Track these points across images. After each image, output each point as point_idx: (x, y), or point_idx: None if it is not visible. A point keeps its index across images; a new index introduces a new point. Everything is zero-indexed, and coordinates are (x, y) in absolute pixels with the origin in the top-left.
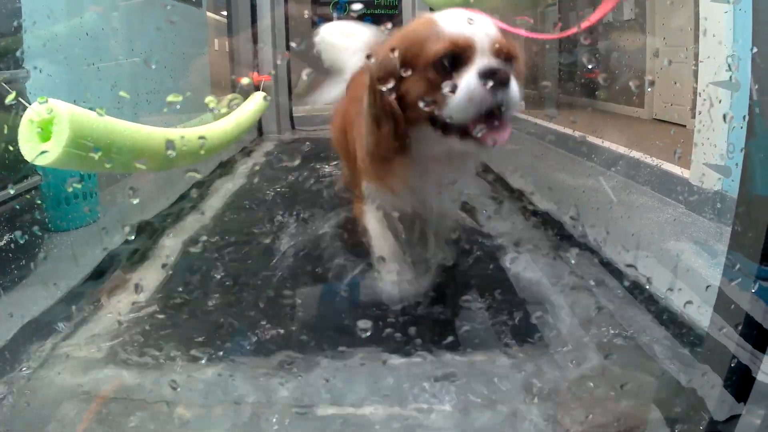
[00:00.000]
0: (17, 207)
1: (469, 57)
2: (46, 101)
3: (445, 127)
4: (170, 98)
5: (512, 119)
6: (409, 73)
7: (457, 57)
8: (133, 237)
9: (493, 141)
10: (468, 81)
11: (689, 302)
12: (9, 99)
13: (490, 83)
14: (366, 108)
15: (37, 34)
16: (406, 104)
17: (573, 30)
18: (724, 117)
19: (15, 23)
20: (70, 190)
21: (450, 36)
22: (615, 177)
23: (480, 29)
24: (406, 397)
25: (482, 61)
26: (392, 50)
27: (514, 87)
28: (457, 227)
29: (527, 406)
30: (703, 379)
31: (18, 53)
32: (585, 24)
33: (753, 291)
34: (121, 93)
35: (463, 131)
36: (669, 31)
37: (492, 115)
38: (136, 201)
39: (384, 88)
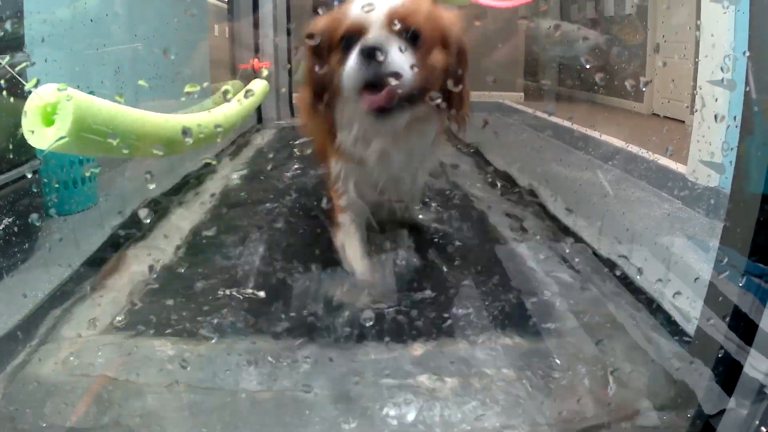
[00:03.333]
0: (17, 191)
1: (360, 36)
2: (36, 85)
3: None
4: (188, 88)
5: (397, 85)
6: (331, 48)
7: (351, 38)
8: (149, 221)
9: (369, 105)
10: (351, 57)
11: (678, 293)
12: (29, 85)
13: (363, 58)
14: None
15: (38, 18)
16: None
17: None
18: (716, 117)
19: (16, 7)
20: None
21: (348, 19)
22: (612, 170)
23: (377, 10)
24: (404, 380)
25: (364, 40)
26: (320, 30)
27: (394, 59)
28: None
29: (520, 392)
30: (691, 368)
31: (19, 37)
32: None
33: (741, 285)
34: (140, 82)
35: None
36: (669, 27)
37: (374, 84)
38: (152, 186)
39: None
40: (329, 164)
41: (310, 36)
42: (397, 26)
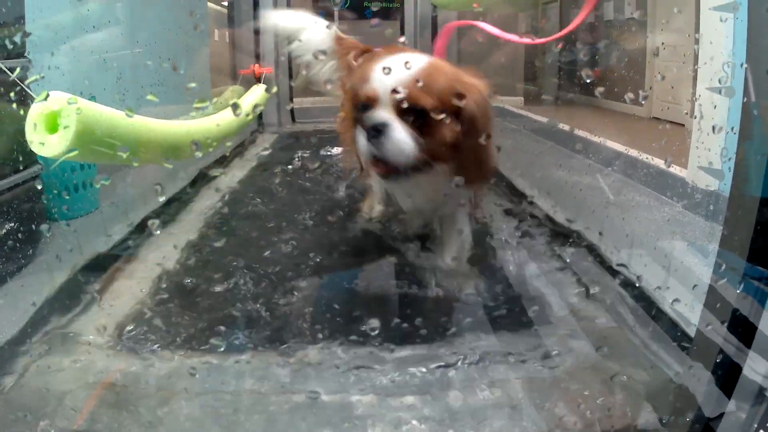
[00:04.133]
0: (18, 196)
1: (372, 105)
2: (46, 98)
3: None
4: (197, 104)
5: (398, 161)
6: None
7: (366, 104)
8: (159, 232)
9: (376, 171)
10: (359, 129)
11: (677, 300)
12: (39, 98)
13: (370, 136)
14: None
15: (40, 24)
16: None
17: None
18: (714, 128)
19: (18, 14)
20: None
21: (365, 87)
22: (612, 175)
23: (384, 83)
24: (403, 384)
25: (368, 116)
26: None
27: (393, 138)
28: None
29: (520, 396)
30: (691, 372)
31: (20, 43)
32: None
33: (740, 288)
34: (150, 96)
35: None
36: (668, 33)
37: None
38: (162, 198)
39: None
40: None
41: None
42: (401, 104)
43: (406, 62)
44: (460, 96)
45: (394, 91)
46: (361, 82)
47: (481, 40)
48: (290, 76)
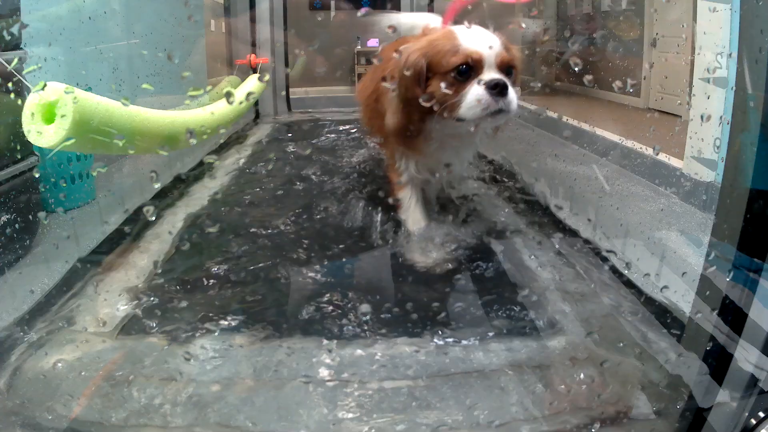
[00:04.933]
0: (15, 187)
1: (478, 69)
2: (43, 88)
3: (458, 119)
4: (191, 92)
5: (514, 111)
6: (432, 76)
7: (470, 68)
8: (153, 218)
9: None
10: (477, 89)
11: (665, 287)
12: (36, 88)
13: (493, 92)
14: (394, 96)
15: (36, 15)
16: (428, 98)
17: None
18: (702, 117)
19: (13, 5)
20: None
21: (466, 51)
22: (608, 165)
23: (489, 45)
24: (403, 369)
25: (488, 73)
26: (420, 55)
27: (512, 95)
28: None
29: (512, 383)
30: (683, 360)
31: (16, 34)
32: None
33: (731, 277)
34: (145, 85)
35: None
36: (664, 23)
37: (493, 115)
38: (157, 185)
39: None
40: (391, 150)
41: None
42: (505, 66)
43: (488, 32)
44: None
45: (501, 55)
46: (444, 49)
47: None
48: (286, 65)
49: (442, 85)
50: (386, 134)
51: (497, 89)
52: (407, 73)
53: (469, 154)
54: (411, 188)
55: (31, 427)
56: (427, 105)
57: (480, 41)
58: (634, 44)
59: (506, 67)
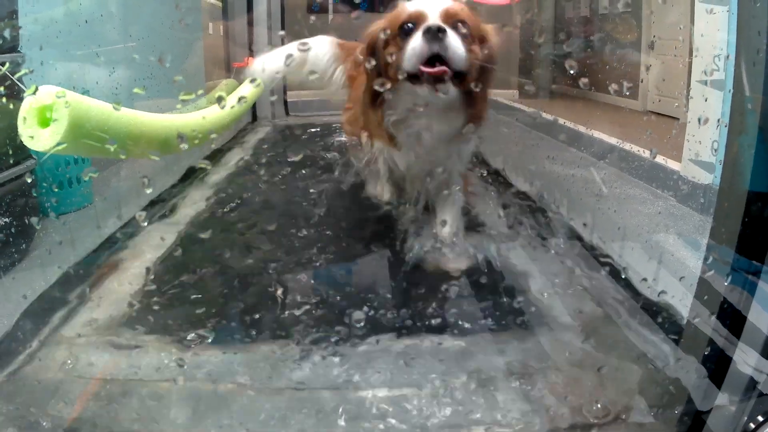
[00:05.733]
0: (12, 191)
1: (420, 23)
2: (35, 92)
3: (411, 77)
4: (182, 96)
5: (455, 66)
6: (388, 43)
7: (412, 23)
8: (146, 224)
9: (428, 74)
10: (414, 39)
11: (663, 291)
12: (28, 92)
13: (427, 36)
14: (365, 70)
15: (33, 19)
16: (387, 65)
17: None
18: (699, 120)
19: (10, 8)
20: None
21: (409, 10)
22: (606, 168)
23: (431, 4)
24: (396, 377)
25: (427, 23)
26: (378, 28)
27: (451, 39)
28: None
29: (510, 387)
30: (682, 364)
31: (13, 37)
32: None
33: (729, 279)
34: (136, 90)
35: (415, 76)
36: (661, 26)
37: (432, 61)
38: (149, 190)
39: (371, 55)
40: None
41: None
42: (452, 18)
43: None
44: (482, 28)
45: (444, 8)
46: (396, 15)
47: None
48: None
49: (393, 47)
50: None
51: (430, 33)
52: (368, 46)
53: (443, 150)
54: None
55: None
56: (389, 68)
57: (422, 2)
58: (631, 47)
59: (453, 21)
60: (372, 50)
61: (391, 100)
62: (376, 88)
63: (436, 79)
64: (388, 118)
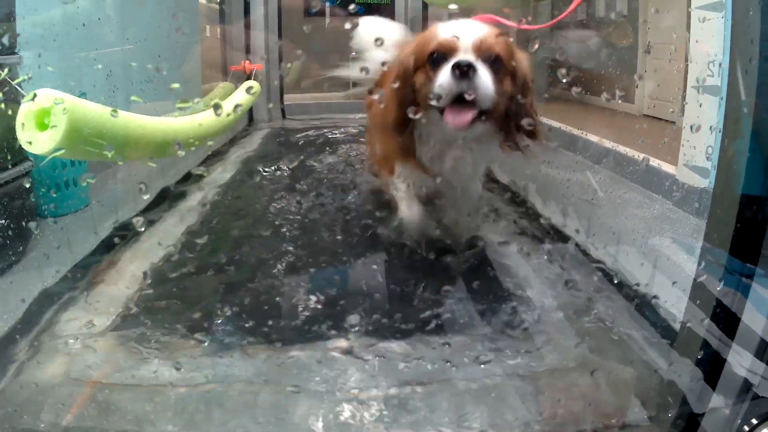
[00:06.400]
0: (8, 193)
1: (450, 55)
2: (33, 98)
3: (440, 110)
4: (179, 104)
5: (482, 105)
6: (417, 68)
7: (442, 55)
8: (143, 229)
9: (453, 122)
10: (443, 73)
11: (655, 297)
12: (27, 99)
13: (455, 73)
14: (393, 92)
15: (30, 21)
16: (412, 91)
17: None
18: (692, 127)
19: (8, 10)
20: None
21: (439, 39)
22: (602, 171)
23: (465, 33)
24: (391, 378)
25: (458, 57)
26: (408, 53)
27: (482, 77)
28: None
29: (507, 392)
30: (677, 367)
31: (10, 39)
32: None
33: (724, 282)
34: (133, 98)
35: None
36: (657, 31)
37: (462, 100)
38: (146, 196)
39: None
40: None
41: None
42: (484, 52)
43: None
44: (516, 57)
45: (477, 39)
46: (426, 41)
47: None
48: (280, 71)
49: (422, 76)
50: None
51: (459, 70)
52: (399, 69)
53: (476, 172)
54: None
55: None
56: (413, 98)
57: (456, 29)
58: (627, 51)
59: (486, 54)
60: (402, 75)
61: (422, 129)
62: (409, 115)
63: (462, 120)
64: (422, 151)
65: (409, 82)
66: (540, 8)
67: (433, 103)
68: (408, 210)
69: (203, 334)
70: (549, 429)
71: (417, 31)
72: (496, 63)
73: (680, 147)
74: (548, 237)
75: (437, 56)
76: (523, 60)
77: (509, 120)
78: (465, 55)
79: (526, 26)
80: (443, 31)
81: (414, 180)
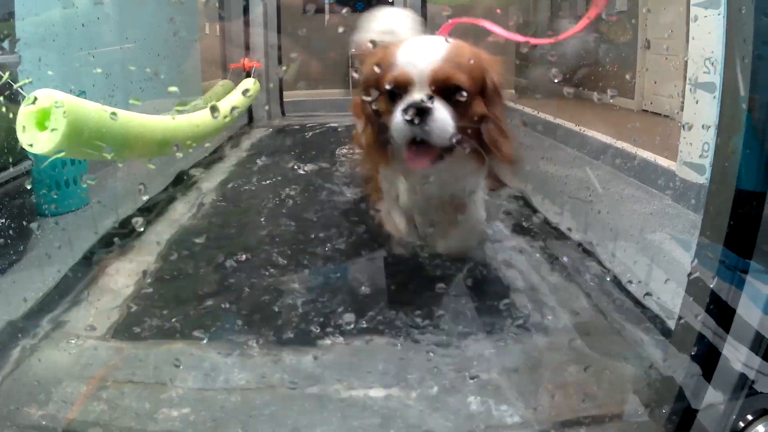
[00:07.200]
0: (9, 192)
1: (406, 89)
2: (34, 102)
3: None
4: (177, 107)
5: (441, 141)
6: (379, 90)
7: (398, 88)
8: (143, 229)
9: (411, 164)
10: (397, 114)
11: (648, 294)
12: (27, 102)
13: (406, 117)
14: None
15: (29, 21)
16: (377, 114)
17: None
18: (684, 126)
19: (7, 9)
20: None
21: (396, 68)
22: (601, 167)
23: (420, 62)
24: (387, 377)
25: (410, 96)
26: (371, 67)
27: (437, 118)
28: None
29: (505, 387)
30: (674, 361)
31: (10, 40)
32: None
33: (719, 276)
34: (132, 101)
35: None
36: (656, 27)
37: (419, 142)
38: (145, 197)
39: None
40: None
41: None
42: (442, 83)
43: (433, 44)
44: (484, 71)
45: (433, 72)
46: (385, 67)
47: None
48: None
49: (382, 104)
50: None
51: (410, 113)
52: (362, 85)
53: (467, 184)
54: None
55: None
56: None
57: (414, 56)
58: (626, 47)
59: (444, 85)
60: (366, 90)
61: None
62: (374, 136)
63: (421, 162)
64: (398, 167)
65: (375, 100)
66: (539, 3)
67: (396, 142)
68: (396, 226)
69: (202, 331)
70: (545, 424)
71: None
72: (457, 92)
73: (679, 143)
74: (547, 233)
75: (392, 89)
76: (491, 67)
77: (481, 147)
78: (419, 91)
79: (532, 40)
80: (401, 56)
81: (399, 187)
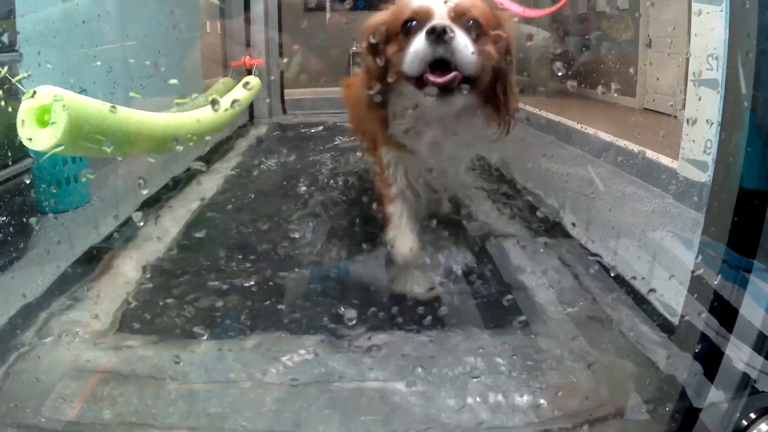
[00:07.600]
0: (9, 189)
1: (425, 21)
2: (33, 95)
3: (415, 81)
4: (177, 100)
5: (463, 71)
6: (390, 40)
7: (416, 23)
8: (142, 224)
9: (434, 84)
10: (417, 39)
11: (652, 290)
12: (26, 96)
13: (430, 37)
14: (364, 67)
15: (30, 18)
16: (389, 65)
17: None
18: (688, 121)
19: (8, 7)
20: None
21: (412, 6)
22: (603, 165)
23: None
24: (389, 373)
25: (432, 22)
26: (379, 22)
27: (460, 41)
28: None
29: (507, 386)
30: (676, 360)
31: (10, 37)
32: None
33: (722, 275)
34: (132, 93)
35: (419, 80)
36: (658, 24)
37: (439, 65)
38: (145, 191)
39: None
40: (379, 156)
41: (371, 31)
42: (461, 16)
43: None
44: (499, 21)
45: (452, 4)
46: (399, 10)
47: None
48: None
49: (394, 47)
50: (373, 137)
51: (435, 34)
52: (371, 42)
53: (464, 155)
54: (402, 203)
55: (24, 431)
56: (384, 69)
57: None
58: (628, 45)
59: (463, 19)
60: (372, 47)
61: (395, 104)
62: (371, 92)
63: (444, 88)
64: (397, 127)
65: (381, 55)
66: None
67: (410, 71)
68: (401, 243)
69: (202, 327)
70: (546, 422)
71: None
72: (475, 28)
73: (681, 141)
74: (546, 229)
75: (411, 25)
76: (504, 21)
77: (494, 90)
78: (440, 20)
79: (528, 13)
80: (416, 0)
81: (402, 165)
